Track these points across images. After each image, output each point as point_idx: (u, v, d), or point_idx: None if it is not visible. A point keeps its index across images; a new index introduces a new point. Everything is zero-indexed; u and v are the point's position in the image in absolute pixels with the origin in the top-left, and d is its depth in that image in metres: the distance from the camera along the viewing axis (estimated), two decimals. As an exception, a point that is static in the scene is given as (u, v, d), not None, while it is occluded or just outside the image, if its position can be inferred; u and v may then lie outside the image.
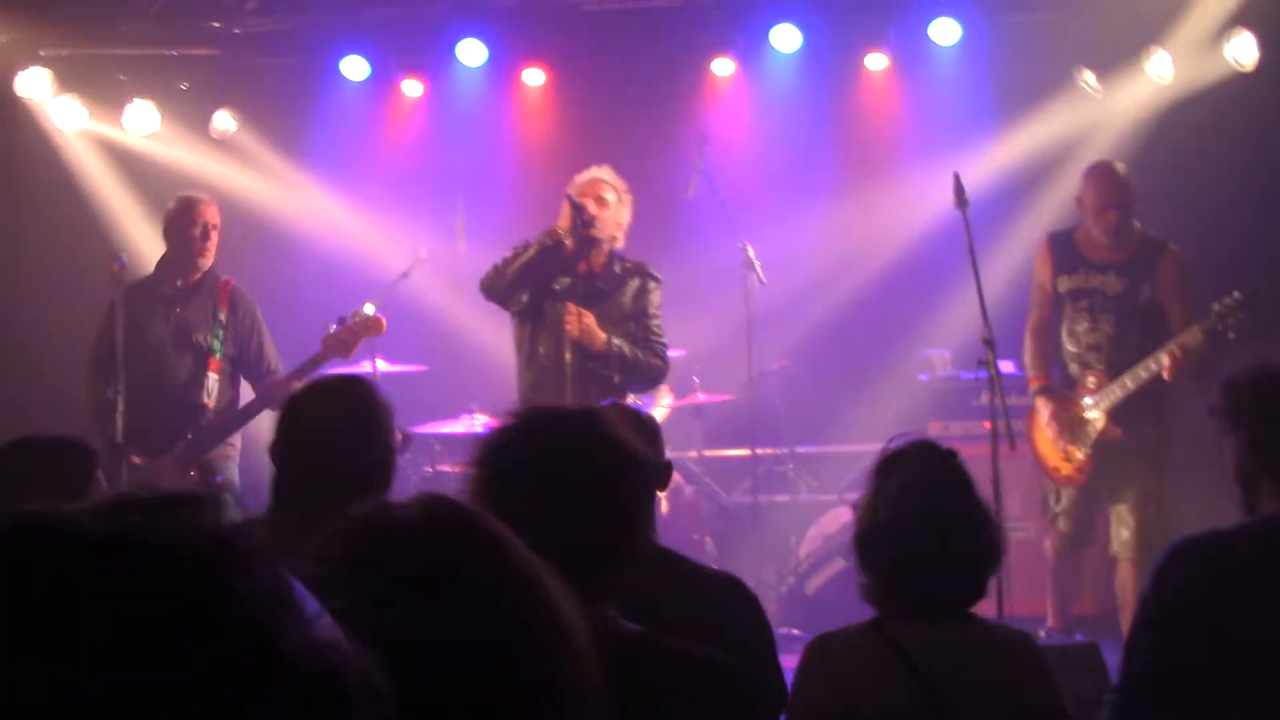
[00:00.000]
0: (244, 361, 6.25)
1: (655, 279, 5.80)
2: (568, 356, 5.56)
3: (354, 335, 6.02)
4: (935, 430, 7.32)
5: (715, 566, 3.39)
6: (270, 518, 2.91)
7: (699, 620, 2.66)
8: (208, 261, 6.22)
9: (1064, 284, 6.00)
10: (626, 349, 5.62)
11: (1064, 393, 6.03)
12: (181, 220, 6.21)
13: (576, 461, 2.11)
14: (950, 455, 2.72)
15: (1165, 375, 5.59)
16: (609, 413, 2.34)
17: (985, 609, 2.76)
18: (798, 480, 7.53)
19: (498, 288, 5.71)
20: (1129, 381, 5.74)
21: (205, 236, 6.18)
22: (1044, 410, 6.02)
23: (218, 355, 6.12)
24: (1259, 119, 7.19)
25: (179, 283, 6.19)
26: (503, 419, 2.21)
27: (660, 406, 7.78)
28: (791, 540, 7.13)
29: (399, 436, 3.06)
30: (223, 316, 6.16)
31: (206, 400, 6.07)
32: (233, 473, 6.18)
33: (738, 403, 7.34)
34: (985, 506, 2.70)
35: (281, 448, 3.00)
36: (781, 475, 7.54)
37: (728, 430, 7.58)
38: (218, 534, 0.88)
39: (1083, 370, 5.97)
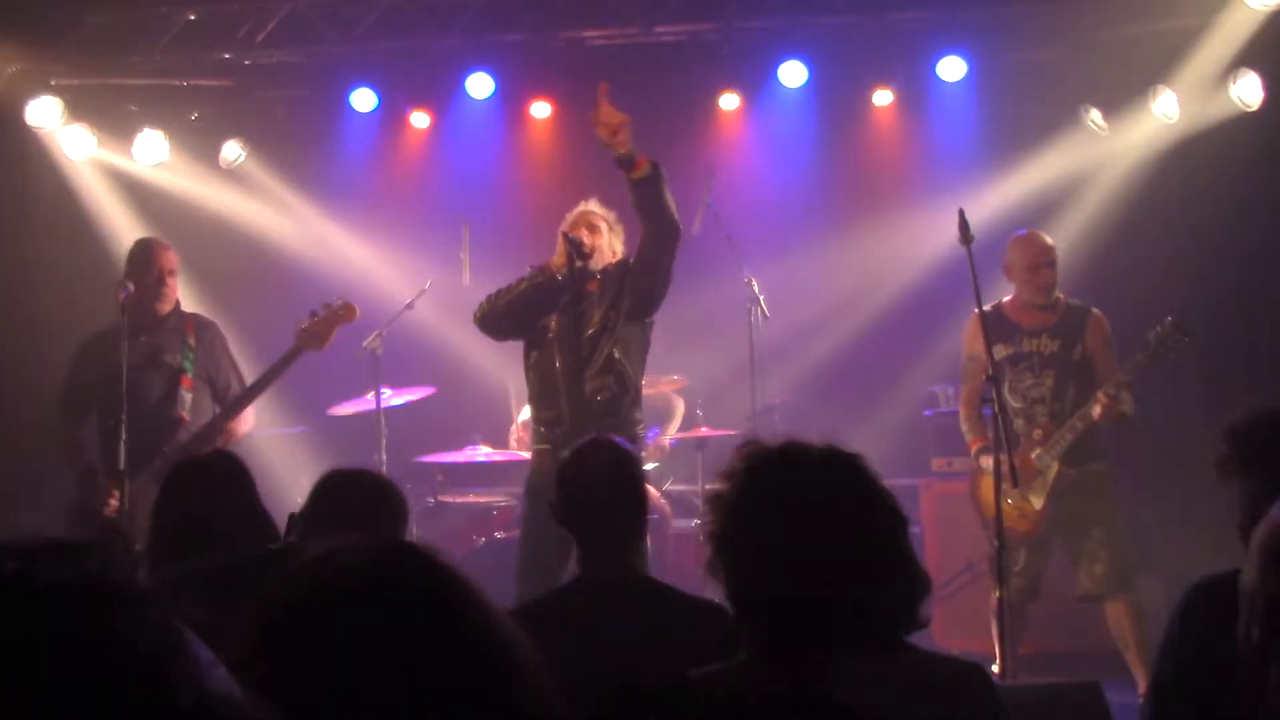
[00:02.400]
0: (215, 386, 6.29)
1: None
2: (557, 364, 5.59)
3: (327, 325, 6.01)
4: (939, 466, 7.31)
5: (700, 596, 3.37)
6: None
7: (681, 648, 2.66)
8: (166, 305, 6.27)
9: (1000, 352, 6.16)
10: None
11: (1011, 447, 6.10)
12: (139, 266, 6.24)
13: None
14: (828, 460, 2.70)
15: (1097, 417, 5.94)
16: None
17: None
18: (800, 515, 7.50)
19: (488, 319, 5.74)
20: (1078, 424, 6.02)
21: (161, 282, 6.22)
22: (989, 466, 6.06)
23: (189, 374, 6.16)
24: (1264, 158, 7.19)
25: (143, 318, 6.17)
26: None
27: (667, 436, 7.79)
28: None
29: None
30: (191, 341, 6.22)
31: (182, 413, 6.08)
32: None
33: (741, 436, 7.32)
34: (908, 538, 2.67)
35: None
36: (784, 510, 7.50)
37: (731, 464, 7.55)
38: (107, 580, 0.86)
39: (1028, 424, 6.17)
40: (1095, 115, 7.63)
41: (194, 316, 6.41)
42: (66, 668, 0.80)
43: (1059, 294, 6.28)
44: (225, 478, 3.49)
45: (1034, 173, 7.81)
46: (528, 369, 5.77)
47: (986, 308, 6.09)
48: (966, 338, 6.36)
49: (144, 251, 6.32)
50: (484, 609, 1.19)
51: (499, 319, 5.72)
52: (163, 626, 0.86)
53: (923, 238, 7.62)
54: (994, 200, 7.58)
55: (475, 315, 5.77)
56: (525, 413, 6.90)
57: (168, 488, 3.53)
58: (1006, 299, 6.32)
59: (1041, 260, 6.20)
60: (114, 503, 5.74)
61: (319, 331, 6.00)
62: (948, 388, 7.50)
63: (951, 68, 7.77)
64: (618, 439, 3.60)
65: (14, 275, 7.91)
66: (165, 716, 0.83)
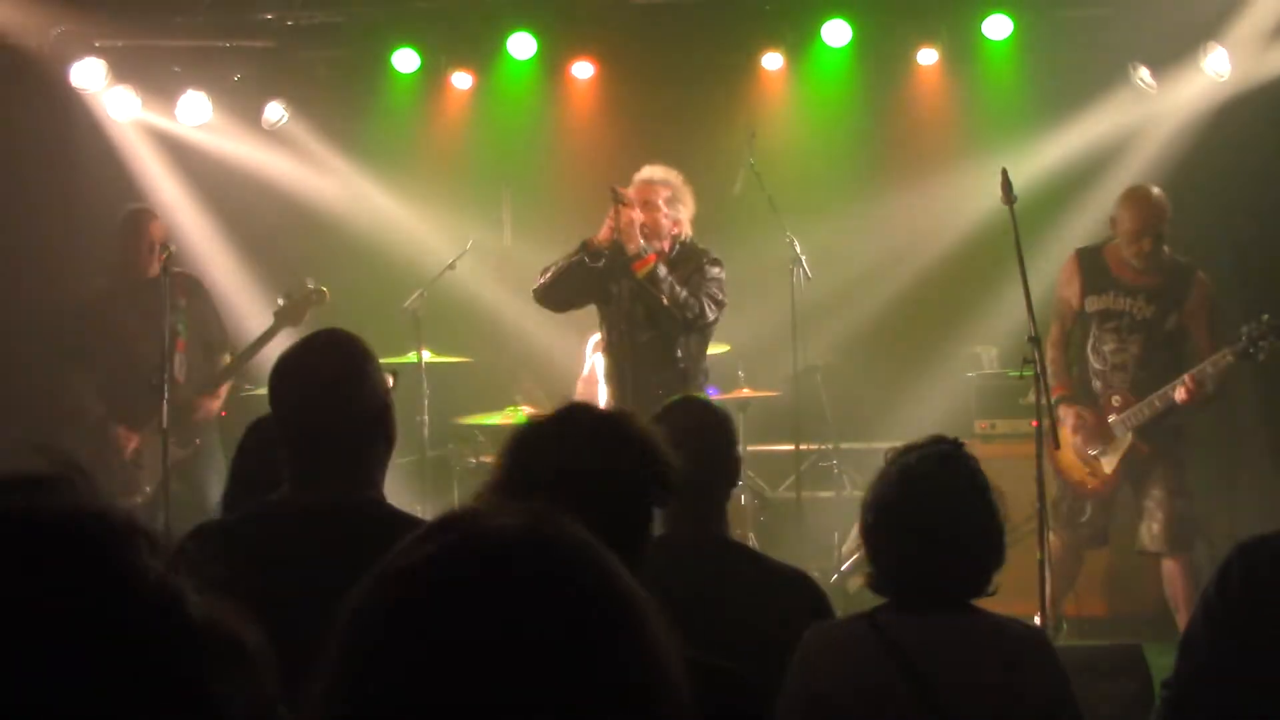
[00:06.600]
0: (207, 342, 6.83)
1: (714, 260, 5.93)
2: (619, 352, 5.69)
3: (300, 308, 6.60)
4: (981, 428, 7.27)
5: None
6: (282, 502, 2.72)
7: (762, 614, 2.67)
8: (155, 270, 6.62)
9: (1092, 303, 6.07)
10: (665, 270, 5.70)
11: (1088, 403, 6.07)
12: (130, 236, 6.80)
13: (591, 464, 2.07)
14: (959, 449, 2.72)
15: (1180, 401, 5.81)
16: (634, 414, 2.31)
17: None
18: (842, 476, 7.49)
19: (541, 293, 5.97)
20: (1157, 402, 5.89)
21: (151, 251, 6.70)
22: (1068, 419, 6.03)
23: (183, 336, 6.64)
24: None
25: (136, 279, 6.73)
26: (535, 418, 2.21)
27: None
28: (835, 537, 7.09)
29: (389, 379, 2.91)
30: (183, 303, 6.64)
31: (178, 376, 6.53)
32: (212, 436, 6.71)
33: (783, 398, 7.31)
34: (991, 503, 2.69)
35: (276, 412, 2.78)
36: (826, 471, 7.50)
37: (772, 425, 7.54)
38: (99, 511, 0.87)
39: (1106, 389, 6.07)
40: (1144, 73, 7.49)
41: (183, 277, 6.77)
42: (80, 603, 0.82)
43: (1165, 248, 6.03)
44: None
45: (1080, 132, 7.71)
46: (603, 336, 6.04)
47: (1089, 247, 6.04)
48: (1062, 277, 6.26)
49: (134, 224, 6.83)
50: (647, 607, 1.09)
51: (548, 292, 5.94)
52: (156, 549, 0.87)
53: (966, 198, 7.54)
54: (1039, 160, 7.49)
55: (534, 292, 6.00)
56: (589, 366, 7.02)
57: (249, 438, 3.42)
58: (1113, 242, 6.13)
59: (1146, 228, 5.94)
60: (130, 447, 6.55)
61: (292, 312, 6.58)
62: (990, 349, 7.45)
63: (997, 26, 7.66)
64: (706, 399, 3.63)
65: (60, 237, 7.97)
66: (182, 627, 0.84)
